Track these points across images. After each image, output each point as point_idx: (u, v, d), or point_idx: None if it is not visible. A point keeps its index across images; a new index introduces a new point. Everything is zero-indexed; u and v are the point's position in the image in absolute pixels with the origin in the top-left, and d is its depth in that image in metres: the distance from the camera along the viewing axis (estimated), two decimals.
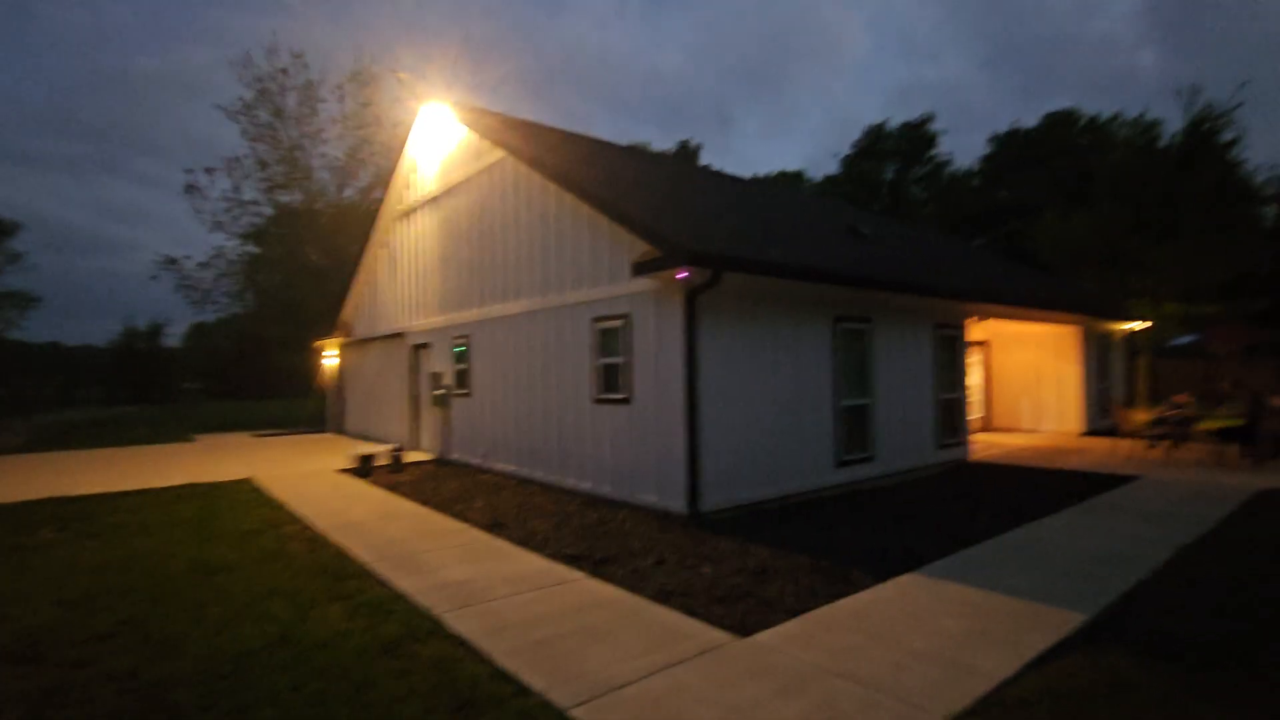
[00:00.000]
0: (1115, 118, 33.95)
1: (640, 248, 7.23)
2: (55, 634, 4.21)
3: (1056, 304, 13.14)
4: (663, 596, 4.76)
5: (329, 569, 5.52)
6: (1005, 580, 4.92)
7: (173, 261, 28.58)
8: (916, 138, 42.65)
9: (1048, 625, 4.05)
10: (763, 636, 3.99)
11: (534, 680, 3.42)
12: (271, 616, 4.43)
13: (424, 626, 4.21)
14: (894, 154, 43.36)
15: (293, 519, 7.50)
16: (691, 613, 4.42)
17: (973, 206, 38.05)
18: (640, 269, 7.06)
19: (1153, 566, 5.22)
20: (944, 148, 43.34)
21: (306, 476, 10.63)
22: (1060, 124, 37.60)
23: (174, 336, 63.62)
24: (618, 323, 7.98)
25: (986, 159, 40.36)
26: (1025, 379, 15.72)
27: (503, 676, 3.51)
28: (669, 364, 7.20)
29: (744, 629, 4.11)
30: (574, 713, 3.11)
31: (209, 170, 27.60)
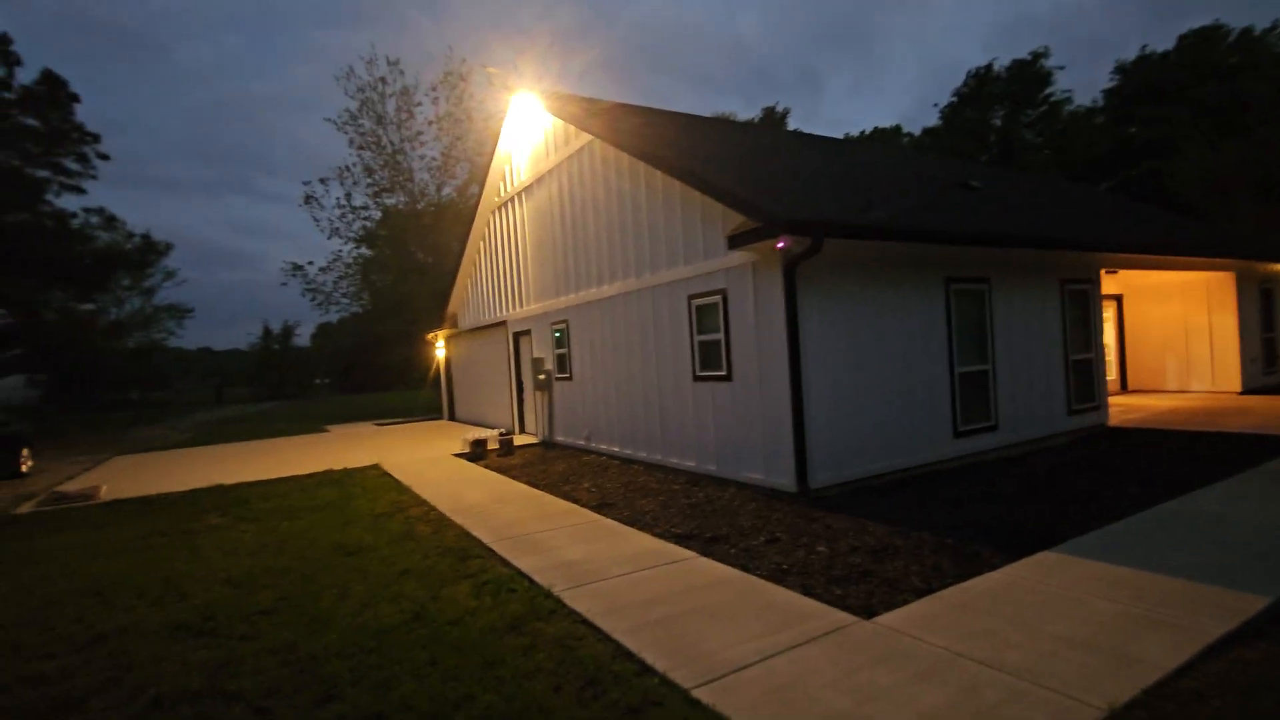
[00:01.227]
0: (1275, 28, 29.57)
1: (734, 220, 7.04)
2: (226, 610, 4.70)
3: (1204, 248, 11.65)
4: (778, 576, 4.66)
5: (454, 549, 5.82)
6: (1163, 558, 4.44)
7: (298, 268, 31.15)
8: (1028, 77, 38.97)
9: (1221, 609, 3.61)
10: (889, 618, 3.82)
11: (656, 660, 3.44)
12: (406, 595, 4.73)
13: (545, 605, 4.35)
14: (1002, 97, 39.88)
15: (418, 502, 7.99)
16: (810, 593, 4.30)
17: (1097, 148, 34.41)
18: (735, 241, 6.89)
19: None
20: (1060, 85, 39.35)
21: (426, 462, 11.30)
22: (1201, 44, 33.11)
23: (303, 337, 69.55)
24: (714, 299, 7.84)
25: (1111, 93, 36.27)
26: (1168, 334, 14.13)
27: (625, 655, 3.56)
28: (770, 338, 7.00)
29: (868, 610, 3.95)
30: (697, 693, 3.10)
31: (323, 180, 29.74)
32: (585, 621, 4.05)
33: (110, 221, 44.50)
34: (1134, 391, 14.46)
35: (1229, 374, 13.20)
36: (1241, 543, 4.67)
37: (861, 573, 4.62)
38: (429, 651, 3.76)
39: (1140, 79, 34.67)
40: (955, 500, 6.47)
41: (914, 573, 4.55)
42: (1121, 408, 11.89)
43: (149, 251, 48.50)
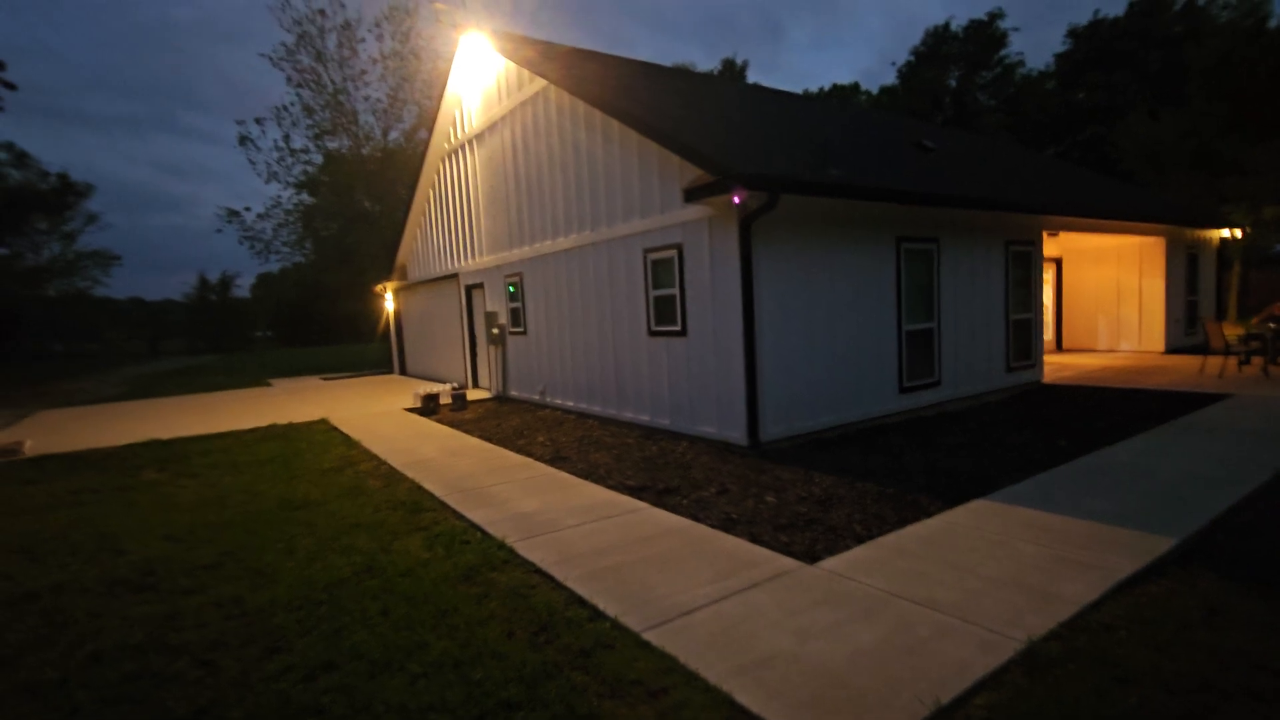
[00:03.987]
0: None
1: (691, 173, 6.96)
2: (167, 565, 4.57)
3: (1139, 213, 12.16)
4: (727, 525, 4.80)
5: (405, 503, 5.78)
6: (1085, 504, 4.75)
7: (234, 214, 29.55)
8: (983, 38, 39.30)
9: (1133, 550, 3.89)
10: (831, 563, 3.99)
11: (607, 605, 3.52)
12: (357, 548, 4.69)
13: (498, 556, 4.38)
14: (958, 58, 40.19)
15: (368, 456, 7.87)
16: (757, 540, 4.44)
17: (1047, 112, 35.18)
18: (692, 195, 6.83)
19: (1249, 489, 4.92)
20: (1015, 47, 39.92)
21: (376, 416, 11.09)
22: (1150, 11, 33.84)
23: (243, 288, 66.50)
24: (670, 253, 7.80)
25: (1063, 57, 36.93)
26: (1101, 296, 14.81)
27: (577, 602, 3.63)
28: (724, 293, 7.03)
29: (812, 556, 4.12)
30: (647, 636, 3.19)
31: (258, 120, 28.04)
32: (538, 571, 4.10)
33: (21, 159, 41.17)
34: (1069, 350, 15.19)
35: (1155, 335, 13.97)
36: (1154, 491, 5.02)
37: (807, 521, 4.79)
38: (380, 602, 3.75)
39: (1091, 44, 35.35)
40: (899, 452, 6.73)
41: (856, 520, 4.75)
42: (1056, 366, 12.48)
43: (67, 193, 45.17)
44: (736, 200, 6.37)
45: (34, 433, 11.13)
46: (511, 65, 10.95)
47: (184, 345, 60.85)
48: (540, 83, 10.13)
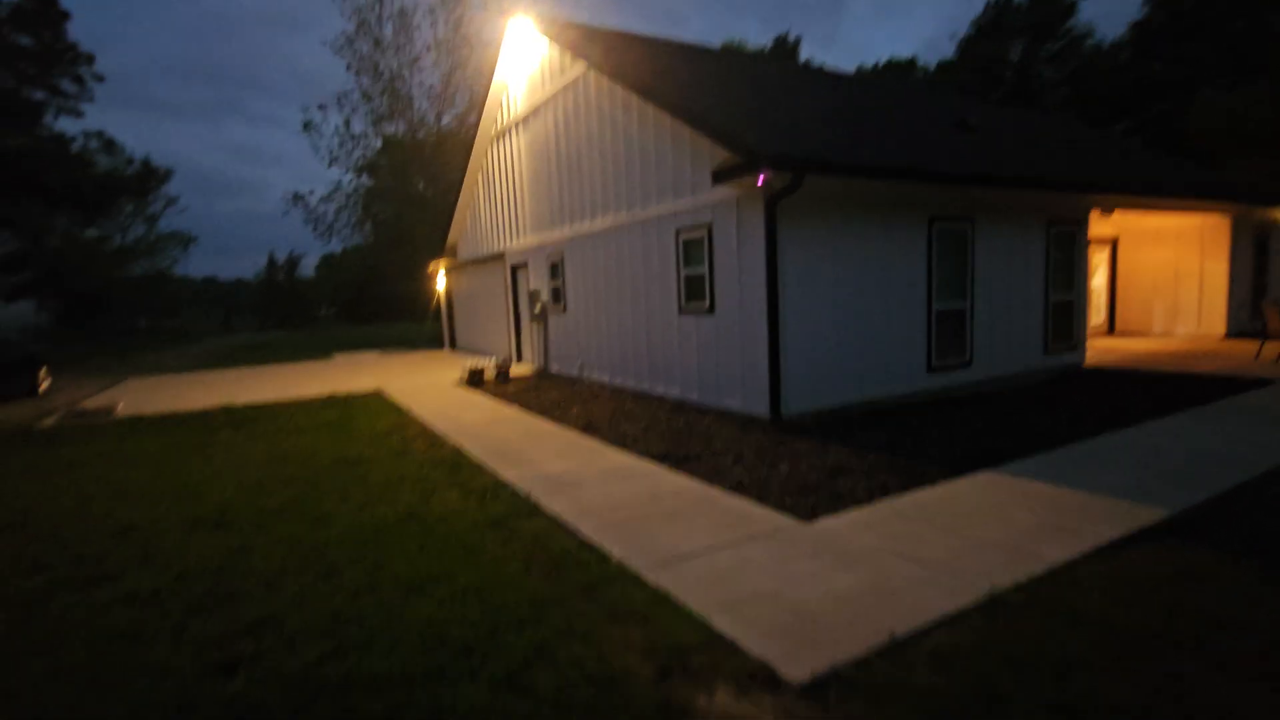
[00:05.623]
0: None
1: (720, 155, 7.19)
2: (239, 508, 5.21)
3: (1200, 190, 11.65)
4: (738, 488, 5.11)
5: (447, 462, 6.31)
6: (1092, 479, 4.86)
7: (299, 198, 31.05)
8: (1050, 6, 37.33)
9: (1125, 519, 4.04)
10: (828, 521, 4.27)
11: (615, 550, 3.92)
12: (401, 499, 5.22)
13: (524, 508, 4.84)
14: (1022, 30, 38.32)
15: (416, 423, 8.48)
16: (763, 502, 4.75)
17: (1117, 86, 33.30)
18: (720, 176, 7.06)
19: (1263, 469, 4.93)
20: (1084, 16, 37.81)
21: (426, 388, 11.78)
22: None
23: (308, 268, 69.56)
24: (700, 233, 8.07)
25: (1138, 26, 34.77)
26: (1160, 278, 14.26)
27: (588, 547, 4.04)
28: (751, 272, 7.27)
29: (811, 515, 4.40)
30: (647, 575, 3.57)
31: (321, 106, 29.30)
32: (558, 521, 4.53)
33: (109, 146, 44.05)
34: (1121, 334, 14.72)
35: (1215, 319, 13.41)
36: (1167, 468, 5.08)
37: (814, 487, 5.06)
38: (418, 542, 4.25)
39: (1169, 11, 33.17)
40: (918, 429, 6.88)
41: (861, 487, 4.99)
42: (1102, 349, 12.19)
43: (149, 177, 48.16)
44: (761, 181, 6.58)
45: (124, 397, 12.28)
46: (554, 51, 11.28)
47: (254, 322, 64.32)
48: (581, 67, 10.45)
